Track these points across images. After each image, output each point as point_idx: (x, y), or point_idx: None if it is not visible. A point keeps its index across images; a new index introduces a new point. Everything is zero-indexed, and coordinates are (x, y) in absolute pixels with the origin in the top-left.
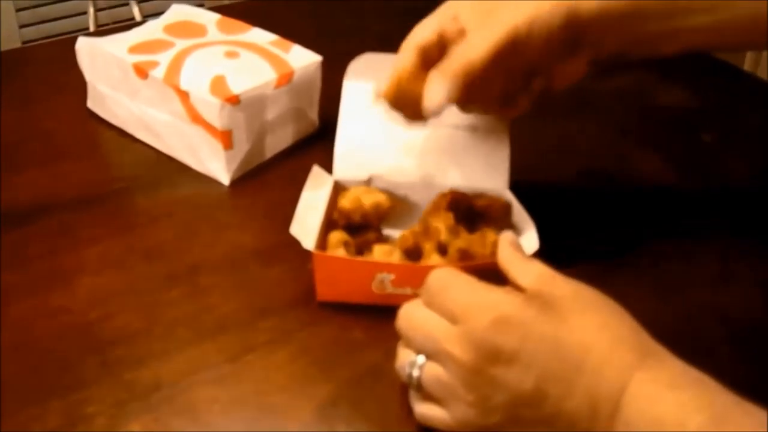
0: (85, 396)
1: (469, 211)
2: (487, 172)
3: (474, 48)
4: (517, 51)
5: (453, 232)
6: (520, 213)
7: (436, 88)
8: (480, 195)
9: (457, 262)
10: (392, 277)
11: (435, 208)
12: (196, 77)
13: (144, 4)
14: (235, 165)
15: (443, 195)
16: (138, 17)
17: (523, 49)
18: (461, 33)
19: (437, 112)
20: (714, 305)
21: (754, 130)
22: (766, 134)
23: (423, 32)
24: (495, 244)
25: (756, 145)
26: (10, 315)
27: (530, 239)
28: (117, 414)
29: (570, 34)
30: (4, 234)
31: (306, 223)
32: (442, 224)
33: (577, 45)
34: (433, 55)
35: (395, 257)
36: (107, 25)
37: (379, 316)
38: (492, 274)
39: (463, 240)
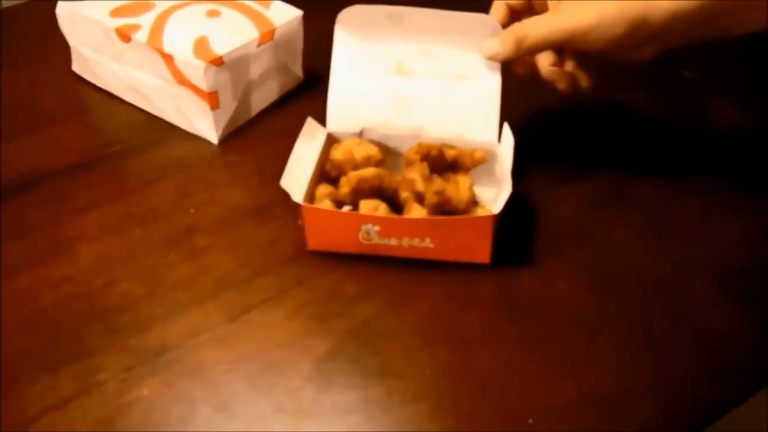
0: (95, 363)
1: (441, 161)
2: (477, 123)
3: (532, 33)
4: (576, 46)
5: (428, 180)
6: (502, 168)
7: (492, 45)
8: (450, 146)
9: (436, 209)
10: (377, 228)
11: (409, 162)
12: (178, 39)
13: None
14: (222, 124)
15: (412, 148)
16: None
17: (581, 46)
18: (543, 5)
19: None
20: (699, 248)
21: (738, 68)
22: (749, 73)
23: None
24: (471, 189)
25: (739, 83)
26: (15, 287)
27: (501, 199)
28: (127, 379)
29: (635, 38)
30: (1, 205)
31: (296, 176)
32: (417, 174)
33: (643, 42)
34: (520, 15)
35: (381, 212)
36: None
37: (370, 269)
38: None
39: (438, 184)
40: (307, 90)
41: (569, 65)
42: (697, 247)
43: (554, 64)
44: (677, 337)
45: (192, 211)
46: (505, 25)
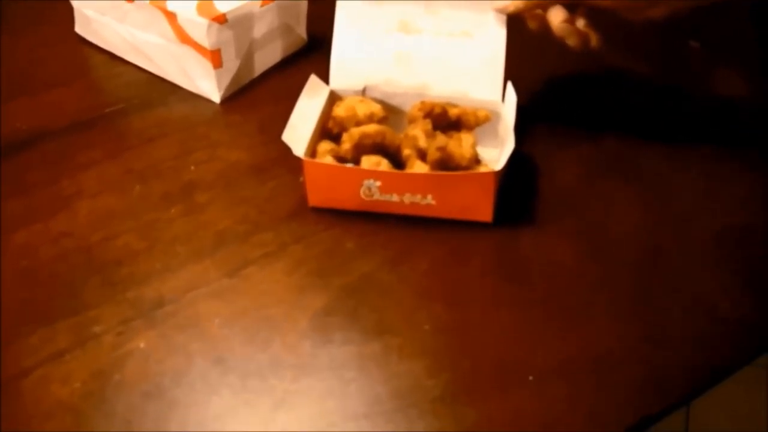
0: (92, 316)
1: (444, 119)
2: (481, 82)
3: None
4: (588, 1)
5: (431, 137)
6: (506, 127)
7: None
8: (454, 104)
9: (439, 165)
10: (379, 183)
11: (412, 119)
12: None
13: None
14: (225, 83)
15: (415, 105)
16: None
17: (593, 1)
18: None
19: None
20: (699, 214)
21: (743, 38)
22: (754, 43)
23: None
24: (474, 146)
25: (743, 54)
26: (14, 242)
27: (504, 156)
28: (124, 331)
29: None
30: (3, 162)
31: (299, 131)
32: (419, 131)
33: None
34: None
35: (383, 167)
36: None
37: (369, 227)
38: None
39: (441, 140)
40: (311, 53)
41: (580, 23)
42: (696, 213)
43: (566, 21)
44: (675, 299)
45: (192, 168)
46: None
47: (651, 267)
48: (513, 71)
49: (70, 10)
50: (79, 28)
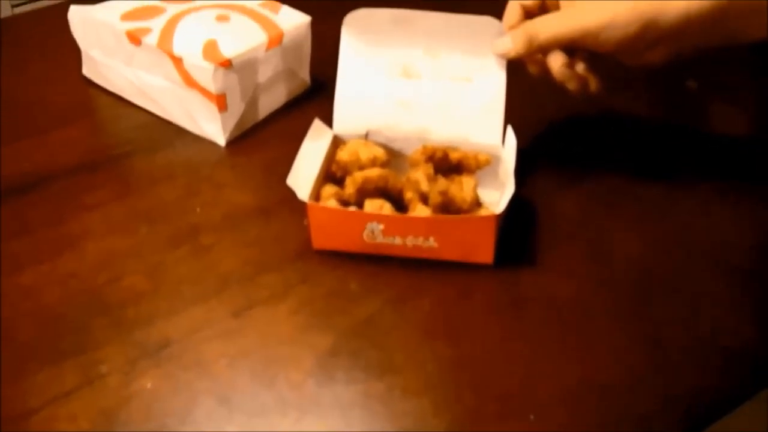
0: (99, 356)
1: (445, 163)
2: (481, 126)
3: (544, 31)
4: (587, 45)
5: (432, 180)
6: (506, 170)
7: (504, 42)
8: (455, 148)
9: (440, 209)
10: (382, 227)
11: (414, 163)
12: (188, 42)
13: None
14: (230, 126)
15: (417, 150)
16: None
17: (593, 46)
18: (555, 5)
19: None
20: (700, 248)
21: (739, 77)
22: (749, 81)
23: None
24: (475, 189)
25: (739, 92)
26: (21, 282)
27: (504, 199)
28: (130, 372)
29: (646, 39)
30: (9, 203)
31: (303, 175)
32: (421, 175)
33: (654, 44)
34: (534, 15)
35: (386, 210)
36: None
37: (373, 268)
38: None
39: (443, 184)
40: (314, 96)
41: (580, 67)
42: (697, 246)
43: (566, 65)
44: (678, 331)
45: (198, 210)
46: None
47: (655, 299)
48: (514, 114)
49: (74, 48)
50: (86, 71)
